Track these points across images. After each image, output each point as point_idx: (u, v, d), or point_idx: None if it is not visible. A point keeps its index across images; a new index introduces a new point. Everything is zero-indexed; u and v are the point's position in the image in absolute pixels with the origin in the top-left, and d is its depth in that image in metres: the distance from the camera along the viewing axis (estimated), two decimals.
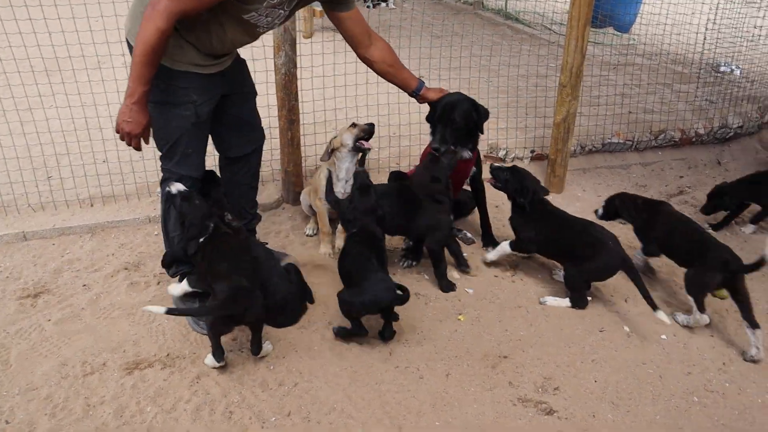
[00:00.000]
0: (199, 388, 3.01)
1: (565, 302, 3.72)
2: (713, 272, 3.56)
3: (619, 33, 8.41)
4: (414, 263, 3.96)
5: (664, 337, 3.53)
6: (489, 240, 4.16)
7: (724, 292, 3.83)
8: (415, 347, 3.33)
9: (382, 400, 3.00)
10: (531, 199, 3.74)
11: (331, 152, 3.88)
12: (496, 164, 3.89)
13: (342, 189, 3.84)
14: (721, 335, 3.57)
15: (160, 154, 3.24)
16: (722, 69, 6.63)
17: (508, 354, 3.33)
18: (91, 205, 4.30)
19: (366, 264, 3.29)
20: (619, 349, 3.42)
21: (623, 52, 7.34)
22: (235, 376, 3.08)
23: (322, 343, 3.31)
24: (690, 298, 3.61)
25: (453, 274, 3.89)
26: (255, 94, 3.50)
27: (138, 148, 3.03)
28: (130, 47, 2.95)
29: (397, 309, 3.34)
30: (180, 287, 3.32)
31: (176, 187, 3.19)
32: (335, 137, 3.92)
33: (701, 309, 3.57)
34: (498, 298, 3.74)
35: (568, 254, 3.72)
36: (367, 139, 3.81)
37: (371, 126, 3.85)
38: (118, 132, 2.95)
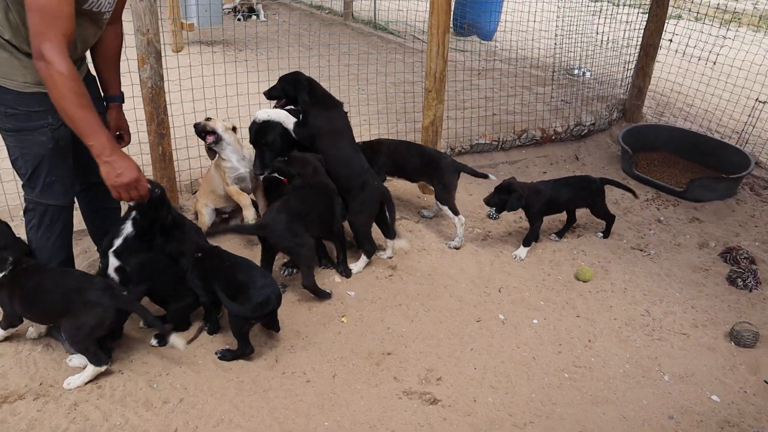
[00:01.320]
0: (78, 414, 2.89)
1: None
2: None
3: (483, 41, 8.86)
4: (294, 271, 4.00)
5: (535, 321, 3.77)
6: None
7: (588, 275, 4.16)
8: (301, 352, 3.36)
9: (270, 407, 3.01)
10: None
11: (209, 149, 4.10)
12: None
13: (246, 166, 4.12)
14: (585, 316, 3.86)
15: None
16: (575, 72, 7.17)
17: (391, 350, 3.44)
18: None
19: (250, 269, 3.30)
20: (495, 336, 3.62)
21: (486, 58, 7.75)
22: (117, 398, 2.98)
23: (206, 356, 3.27)
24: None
25: (334, 278, 3.97)
26: (105, 111, 3.30)
27: (147, 197, 2.92)
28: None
29: (280, 314, 3.37)
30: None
31: None
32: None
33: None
34: (379, 298, 3.84)
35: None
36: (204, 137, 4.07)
37: (197, 124, 4.06)
38: (121, 197, 2.78)
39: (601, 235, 4.67)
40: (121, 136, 3.33)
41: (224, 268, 3.27)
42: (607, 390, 3.31)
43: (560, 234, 4.62)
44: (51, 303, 2.98)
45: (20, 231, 3.87)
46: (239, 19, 9.30)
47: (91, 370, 3.02)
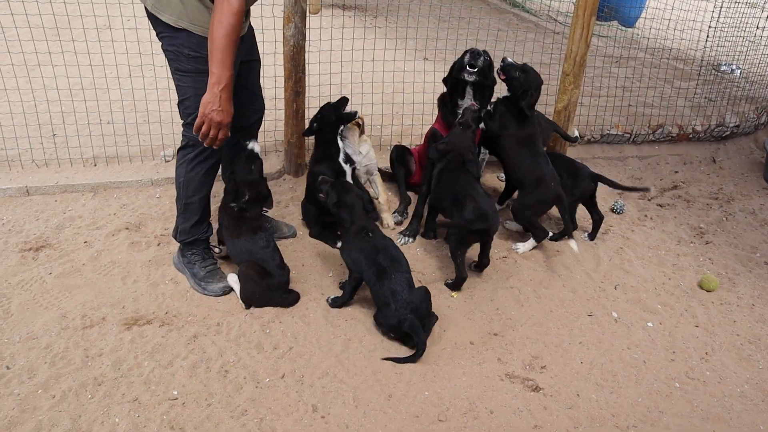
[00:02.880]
0: (196, 346, 3.09)
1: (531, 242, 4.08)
2: None
3: (624, 27, 8.44)
4: (412, 240, 4.03)
5: (650, 324, 3.62)
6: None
7: (713, 284, 3.94)
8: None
9: (373, 368, 3.08)
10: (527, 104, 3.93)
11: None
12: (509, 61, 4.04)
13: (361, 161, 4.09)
14: (705, 326, 3.66)
15: (182, 122, 3.23)
16: (723, 68, 6.70)
17: (498, 331, 3.42)
18: (95, 165, 4.33)
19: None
20: (606, 333, 3.51)
21: (627, 45, 7.39)
22: (232, 337, 3.16)
23: (317, 311, 3.38)
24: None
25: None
26: (260, 62, 3.53)
27: (221, 143, 3.01)
28: (153, 19, 2.96)
29: None
30: None
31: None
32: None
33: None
34: (491, 278, 3.81)
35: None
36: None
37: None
38: (201, 124, 2.90)
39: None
40: None
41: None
42: (720, 408, 3.14)
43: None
44: None
45: (156, 168, 4.13)
46: None
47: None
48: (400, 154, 4.36)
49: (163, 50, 3.05)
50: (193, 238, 3.46)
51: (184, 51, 2.97)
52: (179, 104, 3.17)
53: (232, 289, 3.42)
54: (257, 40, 3.46)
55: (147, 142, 4.48)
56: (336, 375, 3.02)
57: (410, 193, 4.40)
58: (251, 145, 3.40)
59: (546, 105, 4.89)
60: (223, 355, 3.05)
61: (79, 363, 2.92)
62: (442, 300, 3.59)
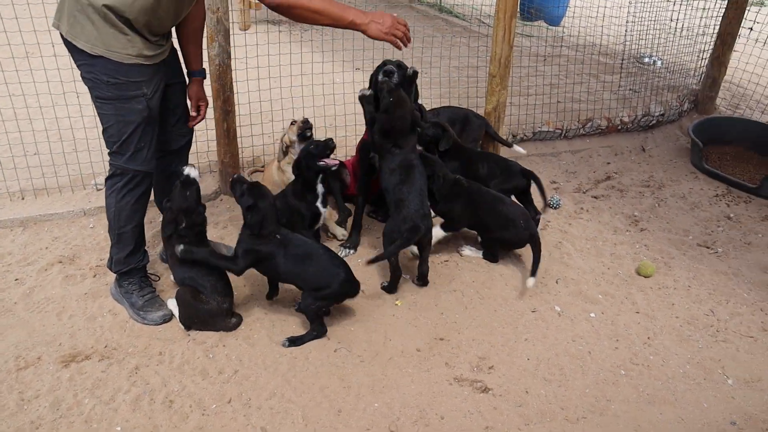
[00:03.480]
0: (138, 378, 3.00)
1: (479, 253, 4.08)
2: None
3: (550, 26, 8.65)
4: (353, 251, 4.03)
5: (593, 315, 3.70)
6: None
7: (650, 270, 4.05)
8: (354, 332, 3.39)
9: (321, 384, 3.05)
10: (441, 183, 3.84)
11: (285, 150, 4.03)
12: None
13: None
14: (645, 312, 3.75)
15: (108, 150, 3.18)
16: (645, 60, 6.92)
17: (444, 336, 3.43)
18: (23, 198, 4.18)
19: None
20: (550, 327, 3.57)
21: (553, 44, 7.57)
22: (175, 366, 3.08)
23: (261, 331, 3.34)
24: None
25: None
26: (185, 84, 3.49)
27: (409, 39, 3.25)
28: (70, 46, 2.92)
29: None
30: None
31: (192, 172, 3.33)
32: (284, 136, 4.05)
33: None
34: (434, 283, 3.83)
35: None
36: (308, 136, 3.94)
37: (306, 120, 3.99)
38: (394, 40, 3.19)
39: None
40: (198, 108, 3.56)
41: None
42: (665, 390, 3.22)
43: None
44: None
45: (88, 197, 4.02)
46: None
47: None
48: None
49: (82, 78, 2.99)
50: (128, 268, 3.38)
51: (102, 78, 2.91)
52: (103, 132, 3.10)
53: (172, 316, 3.35)
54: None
55: (76, 171, 4.35)
56: (284, 395, 2.98)
57: (348, 205, 4.40)
58: (187, 170, 3.32)
59: (477, 108, 4.96)
60: (167, 384, 2.98)
61: (14, 407, 2.81)
62: (386, 309, 3.59)
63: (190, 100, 3.52)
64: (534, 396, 3.12)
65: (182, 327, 3.29)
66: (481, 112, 4.85)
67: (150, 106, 3.06)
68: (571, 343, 3.47)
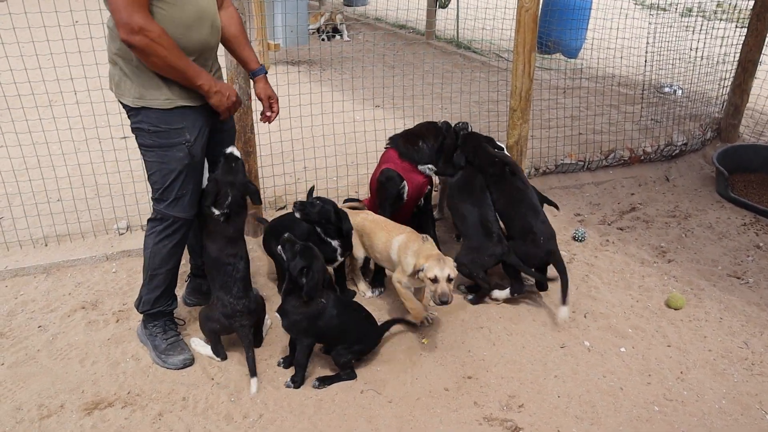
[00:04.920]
0: (162, 425, 2.96)
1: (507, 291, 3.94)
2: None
3: (567, 59, 8.67)
4: (382, 290, 4.00)
5: (623, 349, 3.60)
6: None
7: (680, 302, 3.95)
8: (381, 373, 3.33)
9: (348, 427, 2.99)
10: None
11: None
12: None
13: None
14: (677, 345, 3.65)
15: (152, 196, 3.19)
16: (665, 90, 6.89)
17: (472, 374, 3.36)
18: (46, 245, 4.21)
19: None
20: (580, 363, 3.48)
21: (572, 76, 7.58)
22: (199, 411, 3.04)
23: (286, 374, 3.29)
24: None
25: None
26: (235, 131, 3.51)
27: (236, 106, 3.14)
28: (121, 104, 2.99)
29: None
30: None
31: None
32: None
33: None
34: (461, 320, 3.77)
35: None
36: None
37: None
38: (230, 113, 3.12)
39: None
40: (271, 105, 3.51)
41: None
42: (701, 426, 3.11)
43: None
44: None
45: (111, 242, 4.04)
46: (323, 39, 9.48)
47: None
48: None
49: (131, 129, 3.05)
50: (156, 310, 3.35)
51: (145, 127, 2.96)
52: (148, 178, 3.13)
53: (193, 360, 3.32)
54: None
55: (99, 216, 4.39)
56: None
57: None
58: (230, 149, 3.29)
59: (499, 141, 4.93)
60: (191, 431, 2.93)
61: None
62: (413, 347, 3.53)
63: (260, 99, 3.49)
64: None
65: (205, 372, 3.25)
66: (503, 146, 4.84)
67: (192, 153, 3.06)
68: (602, 379, 3.38)
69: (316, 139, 4.75)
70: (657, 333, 3.75)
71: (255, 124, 4.16)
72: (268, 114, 3.51)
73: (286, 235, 3.23)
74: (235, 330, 3.25)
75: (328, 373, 3.31)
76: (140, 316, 3.45)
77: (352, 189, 4.85)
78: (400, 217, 4.01)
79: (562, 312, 3.72)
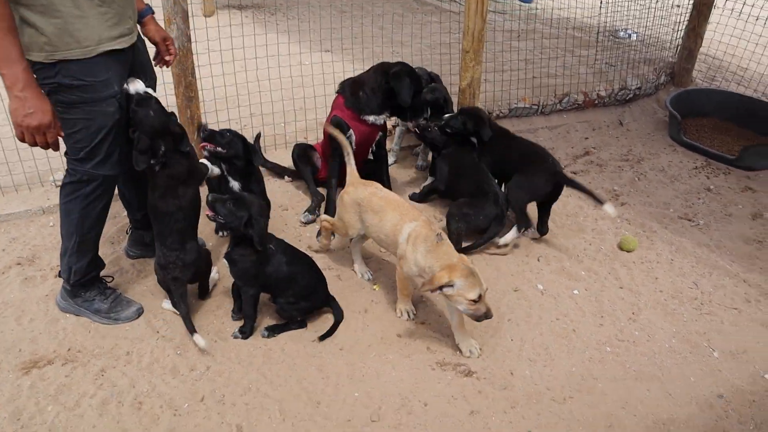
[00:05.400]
0: (105, 380, 2.85)
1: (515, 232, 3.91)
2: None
3: (522, 2, 8.52)
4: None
5: (576, 292, 3.61)
6: None
7: (632, 244, 3.96)
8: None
9: (298, 376, 2.92)
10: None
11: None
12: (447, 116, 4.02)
13: None
14: (629, 287, 3.67)
15: (71, 156, 2.85)
16: (620, 34, 6.83)
17: (425, 320, 3.32)
18: None
19: None
20: (533, 306, 3.47)
21: (526, 20, 7.45)
22: (144, 365, 2.93)
23: (234, 324, 3.19)
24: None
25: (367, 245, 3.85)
26: (156, 80, 3.21)
27: (56, 147, 2.62)
28: (35, 65, 2.55)
29: None
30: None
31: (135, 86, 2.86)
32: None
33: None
34: None
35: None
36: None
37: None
38: (22, 137, 2.52)
39: None
40: (168, 48, 3.19)
41: None
42: (652, 365, 3.15)
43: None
44: None
45: (47, 194, 3.82)
46: None
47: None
48: (302, 152, 4.20)
49: (45, 90, 2.61)
50: (89, 277, 3.15)
51: (65, 82, 2.60)
52: (67, 138, 2.77)
53: (143, 311, 3.21)
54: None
55: (32, 167, 4.14)
56: (259, 389, 2.84)
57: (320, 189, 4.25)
58: (132, 87, 2.85)
59: (450, 84, 4.83)
60: (135, 386, 2.82)
61: None
62: (364, 294, 3.46)
63: (155, 42, 3.13)
64: (519, 377, 3.02)
65: (150, 326, 3.13)
66: (455, 89, 4.73)
67: (122, 105, 2.80)
68: (555, 322, 3.38)
69: (263, 83, 4.55)
70: (609, 275, 3.76)
71: (197, 68, 3.95)
72: (167, 58, 3.20)
73: (209, 196, 2.97)
74: (167, 282, 3.11)
75: (277, 322, 3.23)
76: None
77: (300, 135, 4.70)
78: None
79: (609, 209, 3.71)
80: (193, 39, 3.85)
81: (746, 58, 6.27)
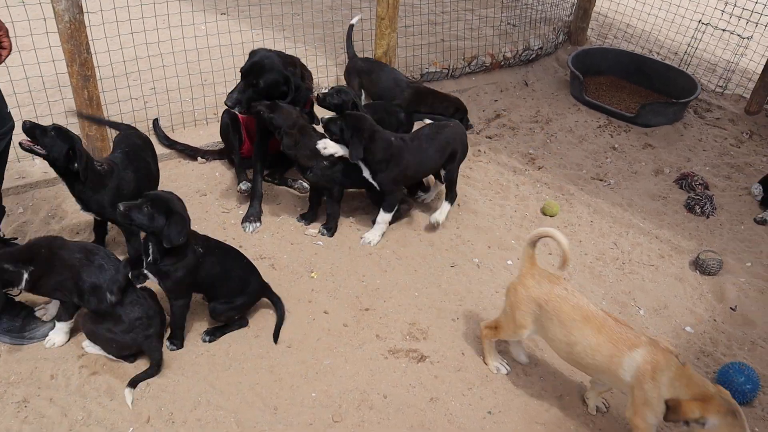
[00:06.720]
0: (29, 412, 2.53)
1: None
2: None
3: None
4: (259, 224, 3.66)
5: (509, 262, 3.64)
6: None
7: (555, 209, 4.04)
8: (273, 314, 3.08)
9: (250, 382, 2.75)
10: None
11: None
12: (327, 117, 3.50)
13: None
14: (557, 252, 3.70)
15: None
16: None
17: (369, 306, 3.23)
18: None
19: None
20: (472, 281, 3.47)
21: None
22: (74, 388, 2.63)
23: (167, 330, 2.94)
24: None
25: (304, 232, 3.66)
26: None
27: None
28: None
29: None
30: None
31: None
32: None
33: None
34: (347, 247, 3.58)
35: None
36: None
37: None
38: None
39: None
40: None
41: None
42: None
43: None
44: None
45: None
46: None
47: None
48: (233, 119, 3.82)
49: None
50: None
51: None
52: None
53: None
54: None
55: None
56: (210, 401, 2.65)
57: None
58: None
59: (364, 52, 4.65)
60: (67, 414, 2.53)
61: None
62: (302, 283, 3.30)
63: None
64: (470, 357, 3.02)
65: (72, 342, 2.81)
66: (367, 55, 4.56)
67: None
68: (495, 295, 3.40)
69: (165, 57, 4.13)
70: (538, 242, 3.81)
71: (91, 43, 3.51)
72: None
73: (121, 207, 2.59)
74: None
75: (215, 324, 3.00)
76: None
77: (210, 112, 4.36)
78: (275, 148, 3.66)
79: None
80: (85, 10, 3.40)
81: (629, 15, 6.53)
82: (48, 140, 2.74)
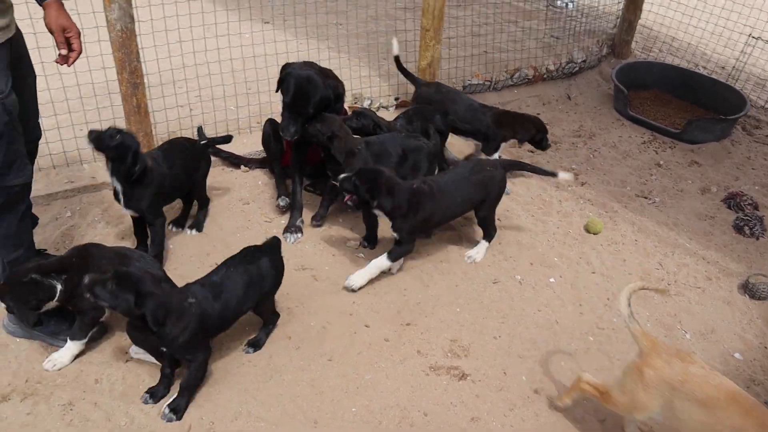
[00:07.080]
0: (75, 415, 2.55)
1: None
2: None
3: None
4: (300, 235, 3.65)
5: (552, 280, 3.58)
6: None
7: (599, 227, 3.98)
8: (315, 329, 3.08)
9: (291, 394, 2.74)
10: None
11: None
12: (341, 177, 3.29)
13: None
14: (601, 272, 3.69)
15: None
16: (558, 3, 6.79)
17: (410, 321, 3.20)
18: None
19: None
20: (515, 299, 3.42)
21: None
22: (118, 394, 2.65)
23: (214, 341, 2.94)
24: None
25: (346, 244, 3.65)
26: (35, 78, 2.82)
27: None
28: None
29: (283, 288, 3.06)
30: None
31: None
32: None
33: None
34: None
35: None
36: None
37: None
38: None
39: None
40: (69, 41, 2.62)
41: None
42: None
43: None
44: None
45: None
46: None
47: None
48: (275, 129, 3.76)
49: None
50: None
51: None
52: None
53: (106, 329, 2.90)
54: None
55: None
56: (251, 413, 2.64)
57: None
58: None
59: (407, 63, 4.63)
60: (111, 419, 2.55)
61: None
62: (344, 297, 3.29)
63: (53, 33, 2.59)
64: (512, 377, 2.97)
65: (118, 347, 2.83)
66: (410, 67, 4.54)
67: (7, 106, 2.43)
68: (537, 314, 3.35)
69: (211, 65, 4.17)
70: (581, 260, 3.76)
71: (141, 51, 3.56)
72: (64, 53, 2.62)
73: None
74: None
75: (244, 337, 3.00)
76: None
77: (254, 120, 4.38)
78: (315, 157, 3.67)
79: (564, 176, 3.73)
80: (136, 19, 3.45)
81: (675, 28, 6.42)
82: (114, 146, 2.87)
